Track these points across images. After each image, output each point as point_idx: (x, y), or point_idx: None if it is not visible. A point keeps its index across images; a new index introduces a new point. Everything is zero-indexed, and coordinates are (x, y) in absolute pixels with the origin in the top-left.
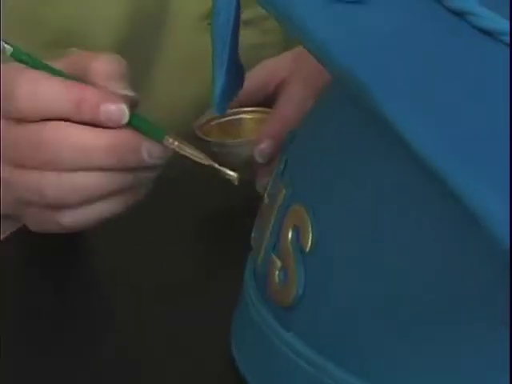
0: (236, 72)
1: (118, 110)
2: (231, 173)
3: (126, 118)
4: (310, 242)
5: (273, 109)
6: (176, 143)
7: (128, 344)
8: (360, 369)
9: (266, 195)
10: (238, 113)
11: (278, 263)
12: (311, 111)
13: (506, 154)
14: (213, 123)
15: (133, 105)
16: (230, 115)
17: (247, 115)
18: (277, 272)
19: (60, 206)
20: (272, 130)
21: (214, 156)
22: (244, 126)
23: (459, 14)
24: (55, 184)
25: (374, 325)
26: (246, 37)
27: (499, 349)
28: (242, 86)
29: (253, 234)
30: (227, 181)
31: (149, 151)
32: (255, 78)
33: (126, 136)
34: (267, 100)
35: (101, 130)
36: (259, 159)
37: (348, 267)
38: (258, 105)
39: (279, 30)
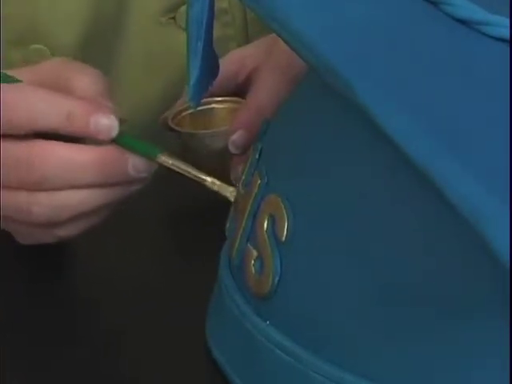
0: (211, 63)
1: (108, 122)
2: (230, 188)
3: (115, 131)
4: (285, 232)
5: (246, 98)
6: (171, 162)
7: (104, 335)
8: (335, 357)
9: (240, 185)
10: (210, 103)
11: (254, 253)
12: (286, 101)
13: (491, 144)
14: (184, 114)
15: (121, 123)
16: (202, 105)
17: (219, 105)
18: (252, 262)
19: (50, 224)
20: (245, 120)
21: (185, 147)
22: (216, 116)
23: (434, 3)
24: (44, 204)
25: (348, 314)
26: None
27: (474, 344)
28: (217, 77)
29: (227, 225)
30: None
31: (135, 166)
32: (225, 67)
33: (113, 152)
34: (238, 90)
35: (88, 147)
36: (233, 150)
37: (323, 257)
38: (228, 94)
39: (239, 23)
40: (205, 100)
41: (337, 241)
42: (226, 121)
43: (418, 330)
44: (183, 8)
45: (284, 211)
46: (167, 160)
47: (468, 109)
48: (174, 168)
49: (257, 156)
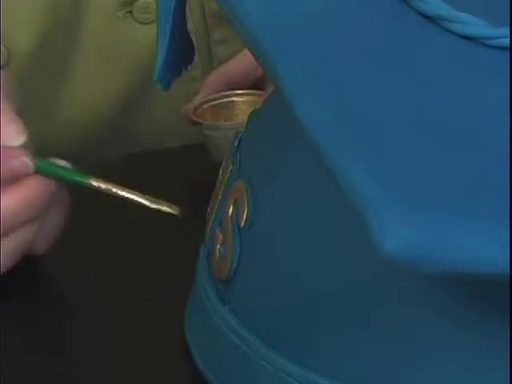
0: (184, 46)
1: (21, 163)
2: (170, 210)
3: (30, 167)
4: (245, 217)
5: (267, 91)
6: (103, 186)
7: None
8: (290, 349)
9: (220, 171)
10: (230, 95)
11: (220, 237)
12: (272, 93)
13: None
14: (205, 106)
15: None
16: (222, 98)
17: (239, 98)
18: (218, 246)
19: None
20: None
21: (207, 139)
22: (236, 109)
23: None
24: None
25: (303, 305)
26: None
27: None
28: (192, 62)
29: (208, 210)
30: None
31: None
32: (244, 61)
33: (37, 184)
34: (258, 83)
35: (12, 190)
36: None
37: (281, 245)
38: (248, 87)
39: (197, 15)
40: (225, 93)
41: (295, 229)
42: (247, 113)
43: (373, 327)
44: (140, 2)
45: (245, 197)
46: (100, 185)
47: (393, 105)
48: (110, 192)
49: (236, 143)
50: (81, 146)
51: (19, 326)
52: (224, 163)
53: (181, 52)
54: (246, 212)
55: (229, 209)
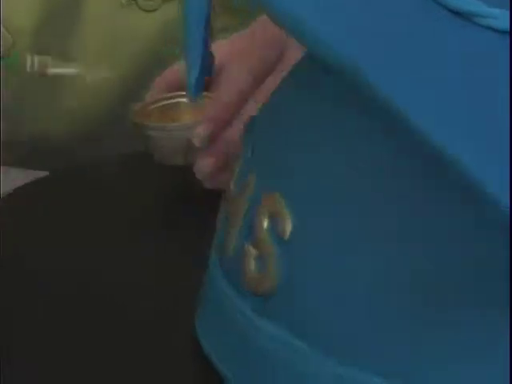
0: (207, 60)
1: None
2: None
3: None
4: (288, 230)
5: (214, 92)
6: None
7: (99, 330)
8: (348, 354)
9: (232, 183)
10: (176, 97)
11: (253, 252)
12: (273, 95)
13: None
14: (151, 107)
15: None
16: (168, 99)
17: (185, 99)
18: (252, 261)
19: None
20: (209, 114)
21: (150, 141)
22: (182, 110)
23: None
24: None
25: (361, 310)
26: (166, 11)
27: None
28: (212, 74)
29: (219, 216)
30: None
31: None
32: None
33: None
34: (206, 84)
35: None
36: (196, 142)
37: (331, 253)
38: None
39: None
40: (171, 94)
41: (344, 234)
42: (192, 115)
43: (431, 328)
44: None
45: (284, 210)
46: None
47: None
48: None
49: (249, 154)
50: (80, 135)
51: (20, 325)
52: (236, 175)
53: (206, 65)
54: (289, 225)
55: (262, 222)
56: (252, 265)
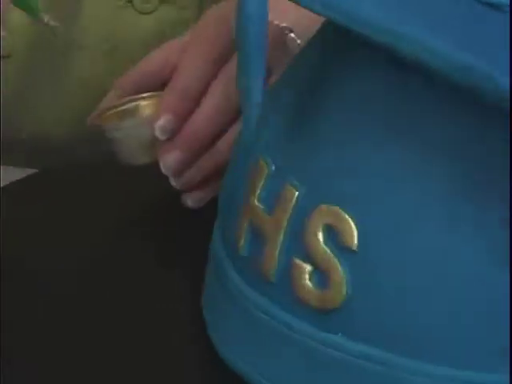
0: None
1: None
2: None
3: None
4: (355, 240)
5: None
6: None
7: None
8: (432, 354)
9: (256, 200)
10: (135, 100)
11: (307, 267)
12: (312, 103)
13: None
14: (109, 113)
15: None
16: (127, 103)
17: (144, 101)
18: (307, 276)
19: None
20: (169, 103)
21: (113, 144)
22: (141, 113)
23: None
24: None
25: (440, 312)
26: (163, 13)
27: None
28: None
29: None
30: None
31: None
32: (150, 62)
33: None
34: (166, 83)
35: None
36: (160, 135)
37: (400, 261)
38: (156, 89)
39: (195, 6)
40: (130, 97)
41: (416, 235)
42: (151, 110)
43: None
44: None
45: (347, 220)
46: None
47: None
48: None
49: (273, 168)
50: (79, 136)
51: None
52: (258, 192)
53: None
54: (354, 235)
55: (317, 236)
56: (306, 280)
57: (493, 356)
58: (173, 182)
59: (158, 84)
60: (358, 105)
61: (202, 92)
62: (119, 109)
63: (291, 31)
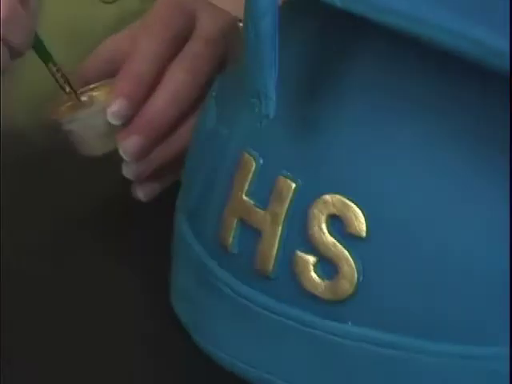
0: None
1: None
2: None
3: None
4: (364, 227)
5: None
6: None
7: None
8: (445, 334)
9: (244, 195)
10: (88, 91)
11: (311, 258)
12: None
13: None
14: (63, 107)
15: None
16: (79, 95)
17: (97, 91)
18: (311, 267)
19: None
20: (122, 88)
21: (71, 137)
22: (96, 102)
23: None
24: None
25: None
26: (126, 3)
27: None
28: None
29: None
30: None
31: None
32: (102, 51)
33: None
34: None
35: None
36: (114, 121)
37: (410, 244)
38: (109, 76)
39: None
40: (82, 89)
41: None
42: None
43: None
44: None
45: (355, 208)
46: (56, 70)
47: None
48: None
49: (261, 161)
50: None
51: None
52: (246, 188)
53: None
54: (363, 222)
55: (320, 226)
56: (312, 272)
57: (493, 329)
58: (125, 173)
59: (109, 74)
60: (357, 90)
61: (157, 76)
62: (71, 103)
63: (240, 21)
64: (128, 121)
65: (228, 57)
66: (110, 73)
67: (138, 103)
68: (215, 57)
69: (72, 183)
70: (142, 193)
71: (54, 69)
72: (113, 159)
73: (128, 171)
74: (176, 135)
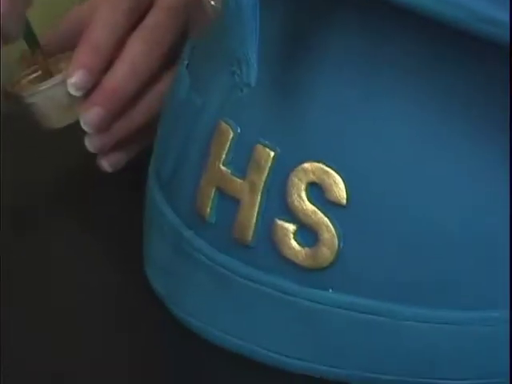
0: None
1: None
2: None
3: None
4: (344, 194)
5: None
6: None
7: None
8: (431, 300)
9: (220, 163)
10: (50, 62)
11: (291, 226)
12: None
13: None
14: (23, 81)
15: None
16: (38, 70)
17: (54, 65)
18: (291, 235)
19: None
20: (82, 59)
21: (32, 110)
22: (55, 74)
23: None
24: None
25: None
26: None
27: None
28: None
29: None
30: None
31: None
32: (64, 24)
33: None
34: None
35: None
36: (74, 92)
37: (391, 209)
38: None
39: None
40: (50, 60)
41: (404, 182)
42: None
43: None
44: None
45: (335, 175)
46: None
47: None
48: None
49: (238, 130)
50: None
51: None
52: (223, 157)
53: None
54: (343, 189)
55: (300, 194)
56: (291, 240)
57: (493, 293)
58: (88, 145)
59: (71, 46)
60: (338, 56)
61: (117, 45)
62: (32, 76)
63: None
64: (89, 92)
65: (190, 26)
66: (74, 44)
67: (98, 74)
68: (177, 26)
69: (35, 156)
70: (106, 163)
71: (41, 57)
72: (77, 132)
73: (90, 144)
74: (138, 106)
